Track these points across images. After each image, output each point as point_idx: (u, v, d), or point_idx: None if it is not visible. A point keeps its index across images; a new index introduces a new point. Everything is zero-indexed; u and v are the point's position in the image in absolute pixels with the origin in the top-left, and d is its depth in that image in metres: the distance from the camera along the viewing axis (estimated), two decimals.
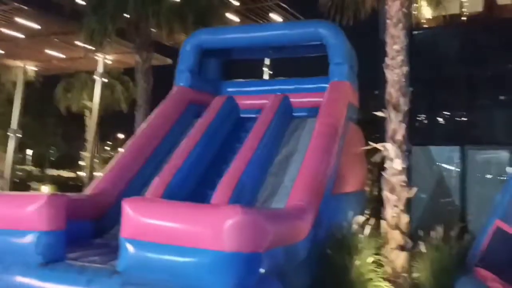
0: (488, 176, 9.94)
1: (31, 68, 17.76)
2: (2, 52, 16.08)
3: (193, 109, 9.40)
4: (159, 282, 4.30)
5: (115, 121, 20.19)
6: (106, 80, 16.87)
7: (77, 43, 13.55)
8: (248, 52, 10.58)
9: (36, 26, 13.16)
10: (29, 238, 4.75)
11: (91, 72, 17.93)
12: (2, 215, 4.83)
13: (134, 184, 7.60)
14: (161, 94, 10.41)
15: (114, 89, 18.47)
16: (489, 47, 10.06)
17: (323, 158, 6.98)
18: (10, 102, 19.52)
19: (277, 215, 5.31)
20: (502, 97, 10.51)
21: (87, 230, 6.47)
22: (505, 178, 10.22)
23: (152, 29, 11.68)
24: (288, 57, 10.78)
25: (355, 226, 6.09)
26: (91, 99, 18.20)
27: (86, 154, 18.75)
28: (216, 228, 4.17)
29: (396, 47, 6.31)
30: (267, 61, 17.33)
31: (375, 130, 10.35)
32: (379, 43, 10.09)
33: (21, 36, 14.01)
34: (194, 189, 7.44)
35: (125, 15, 10.45)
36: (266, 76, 16.84)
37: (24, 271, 4.69)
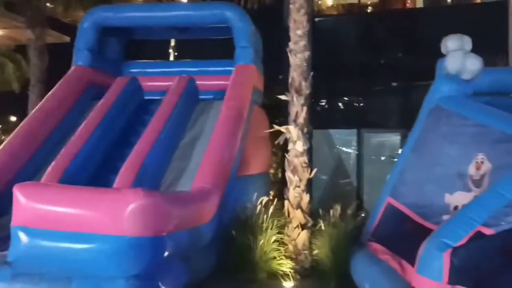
0: (382, 157, 10.61)
1: None
2: None
3: (92, 90, 8.94)
4: (54, 271, 4.09)
5: (6, 102, 18.55)
6: None
7: None
8: (151, 32, 10.26)
9: None
10: None
11: None
12: None
13: (25, 172, 7.05)
14: (58, 74, 9.77)
15: (4, 67, 16.92)
16: (383, 36, 10.67)
17: (229, 141, 7.01)
18: None
19: (181, 198, 5.26)
20: (394, 84, 11.24)
21: None
22: (396, 159, 11.05)
23: (47, 4, 10.90)
24: (193, 38, 10.63)
25: (259, 207, 6.22)
26: None
27: None
28: (117, 212, 4.03)
29: (299, 32, 6.47)
30: (172, 43, 16.92)
31: (279, 114, 10.57)
32: (283, 29, 10.26)
33: None
34: (94, 174, 7.12)
35: None
36: (171, 58, 16.45)
37: None
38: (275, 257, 5.86)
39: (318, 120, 6.59)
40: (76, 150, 6.91)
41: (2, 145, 7.18)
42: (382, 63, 10.81)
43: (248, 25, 8.81)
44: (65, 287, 3.98)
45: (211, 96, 9.25)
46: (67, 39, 15.10)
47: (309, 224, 6.27)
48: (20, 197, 4.15)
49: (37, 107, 8.09)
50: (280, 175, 9.82)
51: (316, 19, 11.39)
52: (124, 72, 9.96)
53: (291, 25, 6.53)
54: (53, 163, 6.70)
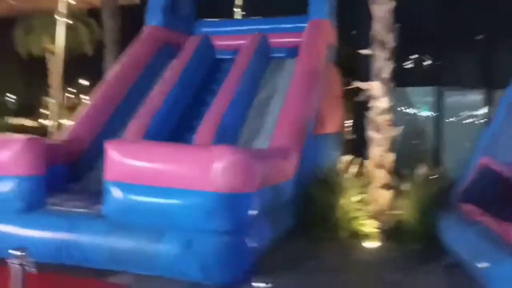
0: (462, 117, 10.06)
1: None
2: None
3: (167, 49, 8.99)
4: (147, 224, 4.18)
5: (80, 65, 19.23)
6: (69, 22, 15.92)
7: None
8: None
9: None
10: (8, 184, 4.49)
11: (51, 13, 16.88)
12: None
13: (108, 129, 7.27)
14: (130, 36, 9.87)
15: (78, 31, 17.46)
16: None
17: (305, 99, 6.84)
18: None
19: (265, 154, 5.20)
20: (476, 39, 10.50)
21: (62, 176, 6.21)
22: (475, 119, 10.42)
23: None
24: None
25: (339, 166, 6.07)
26: (53, 42, 17.23)
27: (51, 101, 17.99)
28: (208, 168, 4.02)
29: None
30: (239, 1, 16.69)
31: (350, 72, 10.20)
32: None
33: None
34: (172, 132, 7.23)
35: None
36: (238, 16, 16.25)
37: (4, 218, 4.48)
38: (357, 217, 5.72)
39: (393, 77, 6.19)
40: (155, 108, 7.01)
41: (88, 104, 7.41)
42: (464, 16, 10.06)
43: None
44: (157, 239, 4.06)
45: (283, 54, 9.06)
46: (136, 0, 15.29)
47: (393, 184, 6.05)
48: (112, 152, 4.23)
49: (115, 66, 8.25)
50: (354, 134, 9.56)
51: None
52: (196, 31, 9.93)
53: None
54: (133, 120, 6.85)
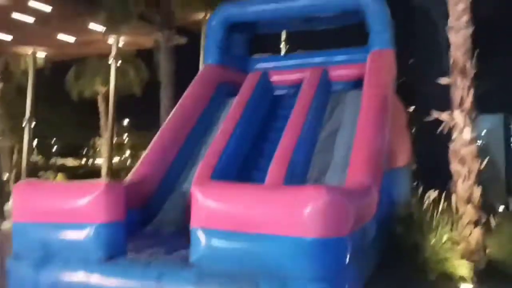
0: None
1: (41, 54, 17.21)
2: (11, 38, 15.50)
3: (224, 87, 8.96)
4: (237, 272, 3.93)
5: (127, 105, 19.68)
6: (119, 64, 16.35)
7: (91, 26, 13.00)
8: (276, 25, 10.09)
9: (47, 9, 12.53)
10: (87, 231, 4.36)
11: (101, 57, 17.42)
12: (57, 207, 4.44)
13: (174, 169, 7.22)
14: (181, 74, 9.90)
15: (127, 72, 17.92)
16: None
17: (378, 131, 6.56)
18: (20, 91, 19.04)
19: (354, 193, 4.91)
20: None
21: (134, 219, 6.10)
22: None
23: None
24: (318, 28, 10.25)
25: (426, 202, 5.71)
26: (103, 84, 17.71)
27: (101, 140, 18.35)
28: (300, 211, 3.77)
29: (460, 6, 5.83)
30: (283, 35, 16.74)
31: (410, 102, 9.89)
32: (410, 9, 9.54)
33: (31, 20, 13.40)
34: (239, 171, 7.07)
35: None
36: (283, 51, 16.28)
37: (86, 267, 4.33)
38: (447, 257, 5.30)
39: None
40: (221, 147, 6.88)
41: (150, 145, 7.35)
42: None
43: (384, 6, 8.25)
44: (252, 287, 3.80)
45: (342, 87, 8.87)
46: (182, 40, 15.56)
47: (482, 221, 5.63)
48: (200, 196, 4.05)
49: (176, 107, 8.22)
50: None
51: None
52: (250, 67, 9.90)
53: (450, 0, 5.91)
54: (202, 161, 6.72)
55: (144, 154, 7.25)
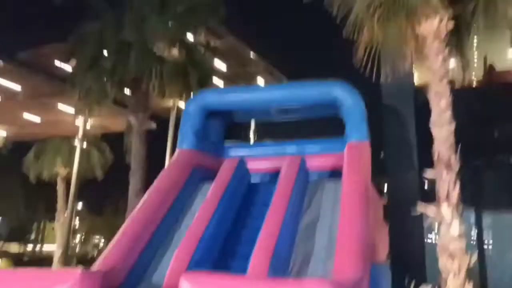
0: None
1: (1, 133, 16.65)
2: None
3: (197, 172, 8.76)
4: None
5: (89, 189, 18.97)
6: (84, 146, 15.97)
7: (60, 106, 12.77)
8: (252, 114, 10.20)
9: (16, 87, 12.30)
10: None
11: (64, 138, 17.05)
12: None
13: (144, 257, 6.73)
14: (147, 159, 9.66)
15: (90, 155, 17.46)
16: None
17: (361, 223, 6.41)
18: None
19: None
20: None
21: None
22: None
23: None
24: (293, 119, 10.42)
25: None
26: (64, 165, 17.12)
27: (57, 224, 17.34)
28: None
29: (442, 103, 6.04)
30: (252, 124, 17.02)
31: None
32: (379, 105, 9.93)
33: None
34: (216, 259, 6.67)
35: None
36: (251, 140, 16.47)
37: None
38: None
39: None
40: (199, 234, 6.53)
41: (121, 230, 6.89)
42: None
43: (360, 101, 8.50)
44: None
45: (317, 177, 8.86)
46: (153, 125, 15.52)
47: None
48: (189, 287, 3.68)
49: (150, 190, 7.88)
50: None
51: None
52: (224, 154, 9.82)
53: (433, 96, 6.14)
54: (178, 249, 6.31)
55: (113, 240, 6.74)
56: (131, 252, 6.52)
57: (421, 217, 10.44)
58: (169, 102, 14.57)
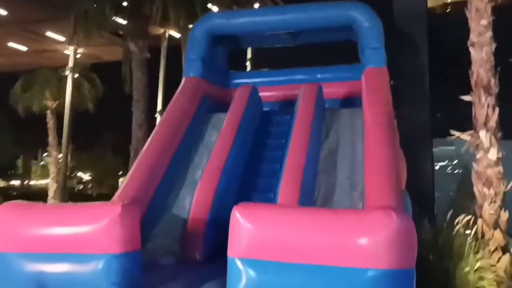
0: None
1: None
2: None
3: (206, 102, 8.34)
4: None
5: (81, 121, 18.40)
6: (75, 77, 15.22)
7: (49, 34, 11.93)
8: (261, 39, 9.63)
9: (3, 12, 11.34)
10: (100, 264, 3.57)
11: (53, 68, 16.23)
12: (63, 235, 3.62)
13: (161, 191, 6.45)
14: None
15: (80, 87, 16.72)
16: None
17: (390, 148, 6.17)
18: None
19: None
20: None
21: None
22: None
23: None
24: (306, 43, 9.89)
25: (457, 228, 5.34)
26: (54, 97, 16.44)
27: (49, 159, 16.93)
28: (369, 239, 3.23)
29: (483, 22, 5.64)
30: (248, 53, 16.38)
31: None
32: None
33: None
34: (238, 192, 6.44)
35: None
36: (248, 68, 15.90)
37: None
38: (482, 287, 4.93)
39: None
40: (220, 166, 6.23)
41: (136, 164, 6.55)
42: None
43: (378, 24, 8.01)
44: None
45: (333, 105, 8.56)
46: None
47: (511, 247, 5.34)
48: (243, 221, 3.40)
49: (161, 121, 7.49)
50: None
51: None
52: (229, 83, 9.39)
53: (472, 14, 5.71)
54: (202, 180, 6.05)
55: (129, 173, 6.42)
56: (148, 185, 6.23)
57: (430, 149, 10.40)
58: (160, 30, 13.79)
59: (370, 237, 3.23)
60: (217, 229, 5.69)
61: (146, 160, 6.59)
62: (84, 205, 3.86)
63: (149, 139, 7.11)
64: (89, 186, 39.60)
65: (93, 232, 3.56)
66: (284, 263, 3.34)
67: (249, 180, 6.74)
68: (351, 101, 8.83)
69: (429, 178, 10.06)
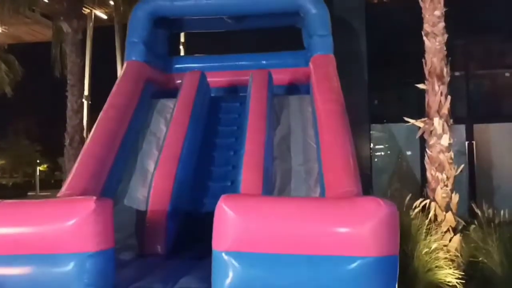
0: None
1: None
2: None
3: (149, 88, 8.01)
4: None
5: None
6: None
7: None
8: (204, 23, 9.35)
9: None
10: (72, 264, 3.28)
11: None
12: (30, 234, 3.27)
13: (110, 181, 6.09)
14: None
15: None
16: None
17: (345, 137, 6.25)
18: None
19: None
20: None
21: None
22: None
23: None
24: (250, 28, 9.76)
25: (412, 211, 5.53)
26: None
27: None
28: (359, 227, 3.24)
29: (437, 12, 5.83)
30: (181, 38, 15.91)
31: None
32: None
33: None
34: (194, 181, 6.25)
35: None
36: (182, 53, 15.47)
37: None
38: (434, 267, 5.17)
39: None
40: (177, 154, 5.99)
41: (82, 152, 6.12)
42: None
43: (326, 11, 8.06)
44: None
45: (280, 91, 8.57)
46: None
47: (460, 227, 5.64)
48: (230, 213, 3.27)
49: (105, 107, 7.01)
50: None
51: None
52: (170, 68, 9.08)
53: (426, 5, 5.88)
54: (159, 169, 5.78)
55: (77, 163, 5.98)
56: (98, 175, 5.84)
57: (368, 135, 10.77)
58: (86, 10, 13.00)
59: (360, 225, 3.23)
60: (178, 220, 5.50)
61: (94, 148, 6.17)
62: (52, 201, 3.51)
63: (95, 125, 6.67)
64: None
65: (64, 230, 3.25)
66: (273, 255, 3.26)
67: (204, 169, 6.57)
68: (296, 88, 8.90)
69: (367, 161, 10.47)
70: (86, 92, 11.69)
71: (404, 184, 9.61)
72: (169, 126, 6.60)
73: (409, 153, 10.42)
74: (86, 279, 3.27)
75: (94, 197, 3.41)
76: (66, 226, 3.25)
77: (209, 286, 3.40)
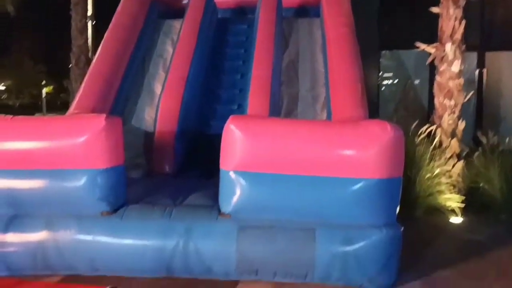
0: None
1: None
2: None
3: (155, 7, 7.79)
4: (287, 222, 3.37)
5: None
6: None
7: None
8: None
9: None
10: (84, 179, 3.38)
11: None
12: (43, 149, 3.34)
13: (118, 102, 6.11)
14: None
15: None
16: None
17: (354, 62, 6.16)
18: None
19: None
20: None
21: None
22: None
23: None
24: None
25: (417, 137, 5.57)
26: None
27: None
28: (366, 149, 3.28)
29: None
30: None
31: None
32: None
33: None
34: (201, 104, 6.26)
35: None
36: None
37: (86, 224, 3.39)
38: (436, 191, 5.29)
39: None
40: (184, 75, 5.96)
41: (89, 72, 6.09)
42: None
43: None
44: (308, 237, 3.27)
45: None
46: None
47: (464, 154, 5.69)
48: (238, 133, 3.30)
49: (111, 26, 6.87)
50: None
51: None
52: None
53: None
54: (166, 89, 5.78)
55: (84, 83, 5.97)
56: (106, 95, 5.85)
57: (378, 62, 10.58)
58: None
59: (366, 148, 3.28)
60: (185, 141, 5.58)
61: (101, 68, 6.12)
62: (63, 118, 3.55)
63: (101, 46, 6.58)
64: (3, 96, 37.02)
65: (75, 146, 3.32)
66: (278, 175, 3.34)
67: (211, 91, 6.55)
68: (306, 10, 8.63)
69: (375, 89, 10.39)
70: (89, 12, 11.41)
71: (411, 112, 9.60)
72: (176, 47, 6.48)
73: (417, 81, 10.28)
74: (98, 194, 3.38)
75: (104, 115, 3.44)
76: (77, 142, 3.31)
77: (216, 203, 3.53)
